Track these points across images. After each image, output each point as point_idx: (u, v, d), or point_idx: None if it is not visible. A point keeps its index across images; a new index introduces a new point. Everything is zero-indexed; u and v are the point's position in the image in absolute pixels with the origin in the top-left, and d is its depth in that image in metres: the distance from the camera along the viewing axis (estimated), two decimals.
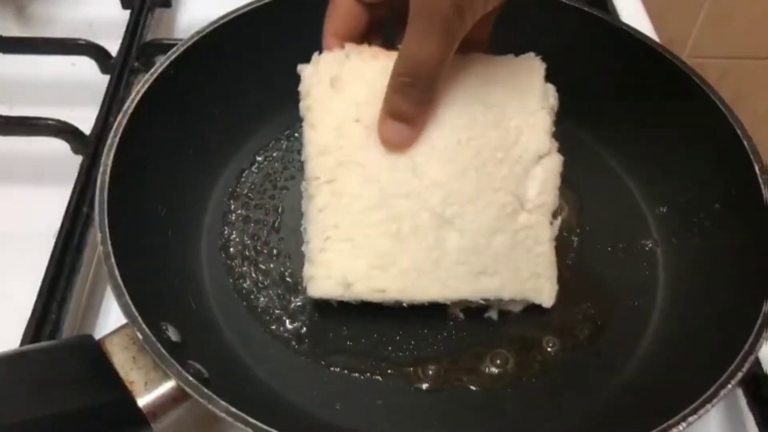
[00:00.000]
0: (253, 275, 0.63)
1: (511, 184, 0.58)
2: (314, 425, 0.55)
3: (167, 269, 0.59)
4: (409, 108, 0.57)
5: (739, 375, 0.49)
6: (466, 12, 0.52)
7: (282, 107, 0.70)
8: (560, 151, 0.60)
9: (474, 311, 0.60)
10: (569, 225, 0.66)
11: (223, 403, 0.47)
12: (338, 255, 0.57)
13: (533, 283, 0.58)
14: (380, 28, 0.62)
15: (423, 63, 0.55)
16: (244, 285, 0.62)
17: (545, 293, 0.59)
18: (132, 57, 0.78)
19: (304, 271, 0.59)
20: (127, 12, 0.83)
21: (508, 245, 0.57)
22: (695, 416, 0.47)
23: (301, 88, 0.61)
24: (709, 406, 0.48)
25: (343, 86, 0.59)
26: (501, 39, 0.61)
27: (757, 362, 0.58)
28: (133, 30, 0.80)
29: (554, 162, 0.60)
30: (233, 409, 0.46)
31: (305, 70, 0.61)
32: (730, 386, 0.49)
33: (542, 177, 0.59)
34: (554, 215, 0.60)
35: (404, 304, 0.58)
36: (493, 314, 0.60)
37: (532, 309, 0.61)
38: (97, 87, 0.75)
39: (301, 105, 0.61)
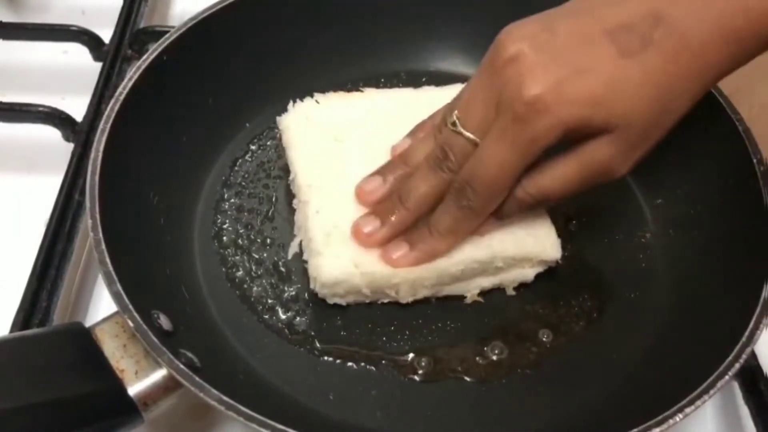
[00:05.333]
0: (247, 264, 0.62)
1: None
2: (307, 415, 0.54)
3: (159, 257, 0.59)
4: (449, 221, 0.56)
5: (737, 366, 0.49)
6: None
7: (275, 96, 0.69)
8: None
9: (488, 293, 0.61)
10: (565, 216, 0.65)
11: (214, 391, 0.46)
12: (342, 244, 0.57)
13: (533, 240, 0.59)
14: None
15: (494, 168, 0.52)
16: (237, 274, 0.62)
17: (548, 247, 0.59)
18: (125, 44, 0.77)
19: (309, 270, 0.59)
20: None
21: None
22: (692, 407, 0.47)
23: (280, 126, 0.66)
24: (706, 397, 0.47)
25: (317, 120, 0.65)
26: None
27: (754, 355, 0.58)
28: (126, 17, 0.79)
29: None
30: (225, 398, 0.46)
31: (283, 120, 0.66)
32: (727, 377, 0.48)
33: None
34: None
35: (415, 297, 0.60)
36: (509, 290, 0.61)
37: (529, 299, 0.61)
38: (89, 74, 0.75)
39: (283, 138, 0.66)
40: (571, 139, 0.51)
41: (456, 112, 0.53)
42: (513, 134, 0.50)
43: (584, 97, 0.49)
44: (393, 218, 0.57)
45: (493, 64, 0.51)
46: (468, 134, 0.52)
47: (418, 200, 0.56)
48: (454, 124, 0.53)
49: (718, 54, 0.49)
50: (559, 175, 0.53)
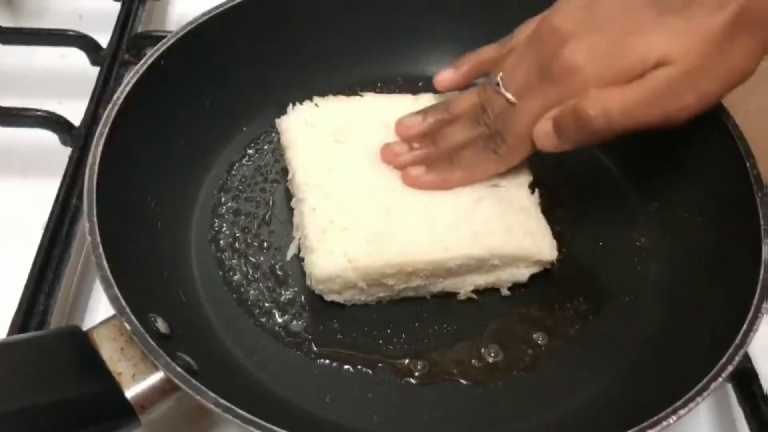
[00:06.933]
0: (243, 268, 0.62)
1: None
2: (303, 418, 0.54)
3: (156, 261, 0.59)
4: (473, 158, 0.61)
5: (730, 368, 0.49)
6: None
7: (272, 100, 0.69)
8: None
9: (483, 292, 0.61)
10: (561, 220, 0.65)
11: (211, 394, 0.46)
12: (337, 240, 0.58)
13: (530, 240, 0.60)
14: None
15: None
16: (234, 277, 0.62)
17: (545, 247, 0.60)
18: (122, 49, 0.77)
19: (305, 267, 0.59)
20: (118, 4, 0.82)
21: (496, 209, 0.61)
22: (685, 409, 0.47)
23: (279, 128, 0.67)
24: (699, 398, 0.48)
25: (316, 122, 0.66)
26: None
27: (747, 358, 0.58)
28: (123, 22, 0.80)
29: None
30: (222, 401, 0.46)
31: (282, 122, 0.66)
32: (720, 379, 0.49)
33: None
34: (531, 188, 0.63)
35: (411, 294, 0.61)
36: (503, 290, 0.61)
37: (524, 302, 0.61)
38: (87, 79, 0.75)
39: (282, 139, 0.66)
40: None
41: (501, 74, 0.58)
42: (549, 94, 0.55)
43: (613, 54, 0.53)
44: (421, 152, 0.62)
45: (539, 35, 0.56)
46: (509, 95, 0.58)
47: (450, 145, 0.62)
48: (497, 84, 0.58)
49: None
50: (630, 96, 0.54)
